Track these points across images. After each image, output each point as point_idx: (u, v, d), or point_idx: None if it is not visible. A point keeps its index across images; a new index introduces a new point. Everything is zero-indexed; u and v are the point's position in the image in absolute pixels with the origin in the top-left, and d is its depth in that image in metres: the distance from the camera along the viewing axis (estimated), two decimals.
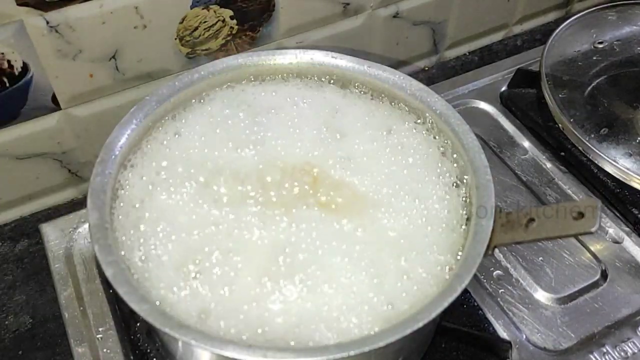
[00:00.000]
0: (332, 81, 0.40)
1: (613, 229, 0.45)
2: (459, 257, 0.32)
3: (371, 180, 0.35)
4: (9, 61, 0.38)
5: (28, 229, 0.46)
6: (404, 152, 0.37)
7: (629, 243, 0.44)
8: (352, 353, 0.27)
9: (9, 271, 0.44)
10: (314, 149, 0.36)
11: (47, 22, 0.38)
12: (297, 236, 0.32)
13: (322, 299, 0.30)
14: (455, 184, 0.36)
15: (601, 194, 0.47)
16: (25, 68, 0.39)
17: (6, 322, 0.41)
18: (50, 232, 0.43)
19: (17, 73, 0.39)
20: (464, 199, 0.35)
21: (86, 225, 0.43)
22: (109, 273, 0.28)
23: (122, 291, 0.28)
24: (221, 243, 0.32)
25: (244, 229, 0.32)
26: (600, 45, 0.54)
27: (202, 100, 0.38)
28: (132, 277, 0.29)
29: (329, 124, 0.38)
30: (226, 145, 0.36)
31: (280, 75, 0.40)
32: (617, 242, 0.44)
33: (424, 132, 0.38)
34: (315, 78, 0.40)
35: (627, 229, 0.45)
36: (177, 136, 0.36)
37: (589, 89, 0.51)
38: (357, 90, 0.40)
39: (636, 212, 0.45)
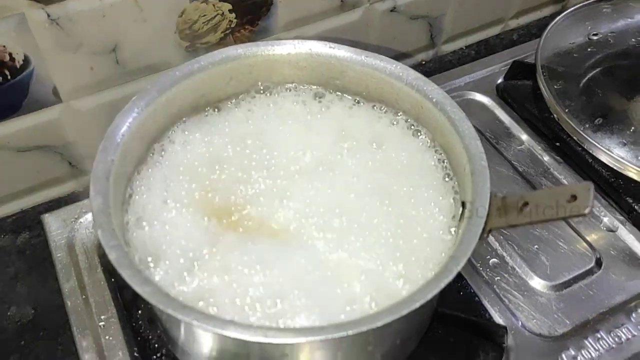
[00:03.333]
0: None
1: (608, 217, 0.46)
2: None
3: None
4: (10, 54, 0.39)
5: (29, 221, 0.47)
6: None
7: (623, 231, 0.45)
8: (350, 332, 0.27)
9: (10, 263, 0.45)
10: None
11: (48, 15, 0.39)
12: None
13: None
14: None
15: (596, 183, 0.47)
16: (26, 61, 0.40)
17: (9, 313, 0.42)
18: (52, 222, 0.43)
19: (18, 66, 0.40)
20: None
21: (87, 215, 0.43)
22: (112, 256, 0.29)
23: (125, 274, 0.28)
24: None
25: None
26: (595, 37, 0.55)
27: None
28: (135, 260, 0.30)
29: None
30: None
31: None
32: (611, 231, 0.45)
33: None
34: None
35: (621, 217, 0.46)
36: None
37: (584, 80, 0.52)
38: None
39: (630, 201, 0.46)
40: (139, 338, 0.38)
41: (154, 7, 0.42)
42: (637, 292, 0.41)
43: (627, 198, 0.46)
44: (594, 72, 0.53)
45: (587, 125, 0.48)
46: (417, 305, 0.29)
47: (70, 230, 0.43)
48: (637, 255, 0.44)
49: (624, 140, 0.47)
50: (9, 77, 0.40)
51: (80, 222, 0.44)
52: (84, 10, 0.39)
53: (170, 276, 0.32)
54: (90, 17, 0.40)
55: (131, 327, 0.39)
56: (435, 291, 0.29)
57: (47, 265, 0.43)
